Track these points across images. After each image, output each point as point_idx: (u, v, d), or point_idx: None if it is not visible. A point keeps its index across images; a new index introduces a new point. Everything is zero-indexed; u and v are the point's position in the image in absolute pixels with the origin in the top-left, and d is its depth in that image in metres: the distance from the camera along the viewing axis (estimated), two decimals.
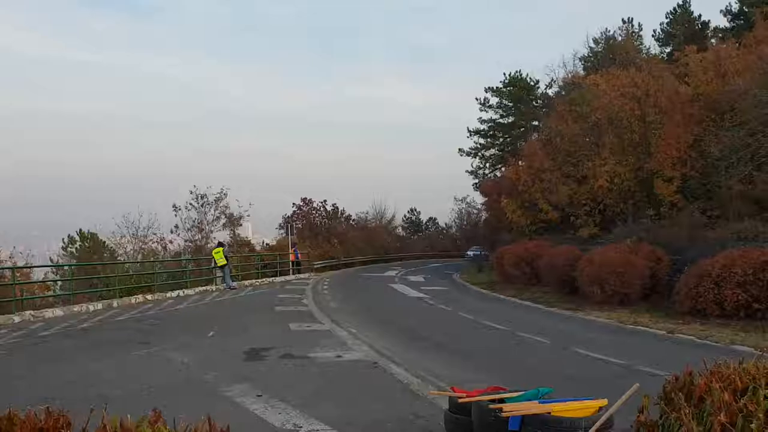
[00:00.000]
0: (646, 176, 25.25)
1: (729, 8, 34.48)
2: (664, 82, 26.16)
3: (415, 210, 72.28)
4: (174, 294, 22.27)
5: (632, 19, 40.05)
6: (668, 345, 12.23)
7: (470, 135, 52.30)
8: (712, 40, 33.92)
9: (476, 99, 51.08)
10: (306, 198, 51.77)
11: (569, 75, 37.59)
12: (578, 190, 27.41)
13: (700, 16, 37.68)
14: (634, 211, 25.61)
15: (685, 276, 17.08)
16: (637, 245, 20.66)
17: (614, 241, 22.79)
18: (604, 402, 4.45)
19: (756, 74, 21.09)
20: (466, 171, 53.09)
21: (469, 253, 50.81)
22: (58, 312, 16.57)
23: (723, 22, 35.64)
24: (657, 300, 18.56)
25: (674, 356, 10.11)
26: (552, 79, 43.23)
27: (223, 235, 36.04)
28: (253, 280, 29.27)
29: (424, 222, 73.27)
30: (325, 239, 46.79)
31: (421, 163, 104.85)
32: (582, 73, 36.06)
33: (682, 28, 36.63)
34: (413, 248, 60.67)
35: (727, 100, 22.96)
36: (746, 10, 31.28)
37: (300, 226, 47.87)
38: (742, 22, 31.71)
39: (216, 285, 25.75)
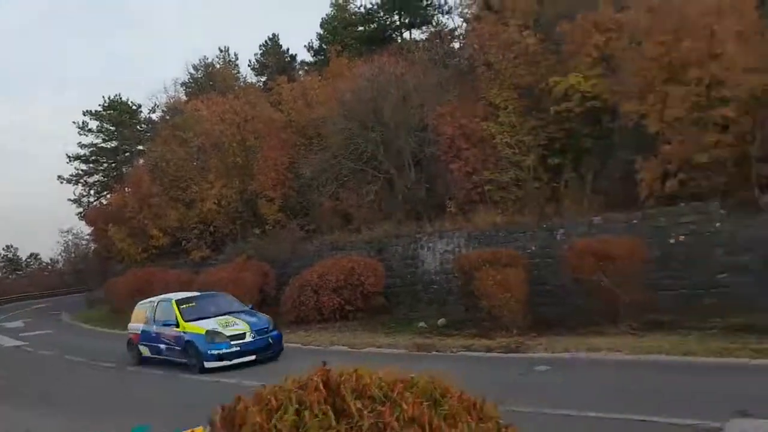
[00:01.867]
0: (250, 197, 26.64)
1: (311, 44, 38.59)
2: (260, 109, 28.05)
3: (12, 246, 63.87)
4: None
5: (229, 48, 41.78)
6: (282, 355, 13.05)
7: (71, 161, 48.08)
8: (300, 72, 37.45)
9: (74, 123, 47.44)
10: None
11: (171, 100, 37.58)
12: (188, 213, 27.56)
13: (288, 49, 41.14)
14: (242, 230, 26.75)
15: (289, 287, 18.66)
16: (246, 263, 21.75)
17: (225, 260, 23.63)
18: (200, 430, 4.55)
19: (334, 104, 24.10)
20: (69, 199, 48.71)
21: None
22: None
23: (308, 57, 39.67)
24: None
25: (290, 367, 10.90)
26: (155, 104, 42.52)
27: None
28: None
29: (24, 259, 65.23)
30: None
31: (17, 194, 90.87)
32: (184, 98, 36.34)
33: (274, 59, 39.55)
34: (12, 290, 53.71)
35: (314, 127, 25.74)
36: (324, 47, 35.38)
37: None
38: (322, 57, 35.73)
39: None
